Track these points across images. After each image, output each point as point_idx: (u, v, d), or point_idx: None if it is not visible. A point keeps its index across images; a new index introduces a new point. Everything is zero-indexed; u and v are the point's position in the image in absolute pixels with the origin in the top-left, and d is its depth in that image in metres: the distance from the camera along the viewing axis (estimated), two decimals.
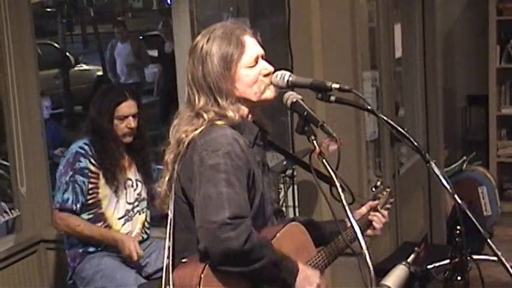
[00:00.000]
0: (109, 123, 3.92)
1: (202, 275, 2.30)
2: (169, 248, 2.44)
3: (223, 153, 2.32)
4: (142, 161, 4.09)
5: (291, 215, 4.37)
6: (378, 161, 5.11)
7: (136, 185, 4.08)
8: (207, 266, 2.31)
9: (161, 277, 2.44)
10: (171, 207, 2.47)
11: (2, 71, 4.53)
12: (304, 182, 4.10)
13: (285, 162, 3.97)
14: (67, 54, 14.50)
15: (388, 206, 3.03)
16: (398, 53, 5.27)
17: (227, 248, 2.23)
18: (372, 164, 4.88)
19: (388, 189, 3.07)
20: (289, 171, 4.44)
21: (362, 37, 4.25)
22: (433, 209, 5.72)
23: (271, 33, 6.01)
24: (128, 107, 3.95)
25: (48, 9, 19.71)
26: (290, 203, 4.45)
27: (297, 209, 4.36)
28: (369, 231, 2.93)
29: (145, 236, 4.12)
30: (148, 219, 4.16)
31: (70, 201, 3.87)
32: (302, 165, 3.19)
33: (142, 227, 4.10)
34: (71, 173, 3.88)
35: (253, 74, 2.47)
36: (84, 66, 15.23)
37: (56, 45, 14.60)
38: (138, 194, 4.09)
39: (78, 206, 3.89)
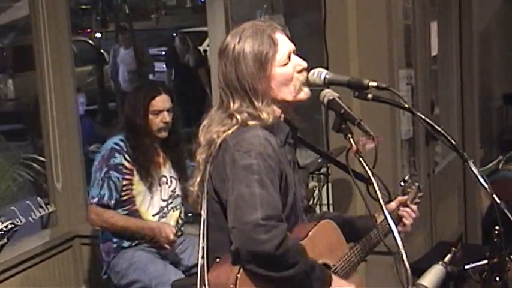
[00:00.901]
0: (144, 119, 3.93)
1: (238, 275, 2.29)
2: (203, 248, 2.43)
3: (256, 153, 2.30)
4: (177, 158, 4.10)
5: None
6: (412, 160, 5.07)
7: (171, 182, 4.09)
8: (243, 267, 2.30)
9: (196, 276, 2.44)
10: (204, 207, 2.46)
11: (39, 68, 4.59)
12: (339, 180, 4.09)
13: (319, 160, 3.96)
14: (101, 51, 14.58)
15: (417, 200, 2.98)
16: (434, 51, 5.22)
17: (258, 250, 2.21)
18: (406, 163, 4.85)
19: (416, 184, 3.03)
20: (323, 169, 4.43)
21: (397, 35, 4.22)
22: (468, 209, 5.67)
23: (305, 30, 6.00)
24: (162, 101, 3.97)
25: (83, 6, 19.86)
26: (324, 201, 4.44)
27: (331, 207, 4.35)
28: (399, 228, 2.86)
29: (179, 233, 4.12)
30: (182, 215, 4.17)
31: (107, 197, 3.90)
32: (335, 163, 3.18)
33: (176, 224, 4.11)
34: (105, 169, 3.90)
35: (288, 71, 2.45)
36: None
37: (90, 42, 14.69)
38: (172, 191, 4.10)
39: (112, 202, 3.91)
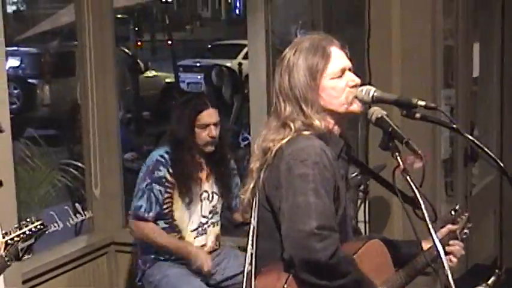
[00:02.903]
0: (189, 133, 3.89)
1: (285, 285, 2.30)
2: (251, 255, 2.45)
3: (312, 163, 2.32)
4: (222, 173, 4.06)
5: (362, 231, 4.33)
6: (447, 180, 5.05)
7: (212, 198, 4.05)
8: (291, 276, 2.31)
9: (242, 282, 2.45)
10: (255, 215, 2.48)
11: (82, 74, 4.63)
12: (377, 198, 4.08)
13: (359, 177, 3.94)
14: (138, 60, 14.73)
15: (465, 231, 2.96)
16: (475, 72, 5.21)
17: (312, 258, 2.23)
18: (442, 184, 4.83)
19: (466, 214, 3.00)
20: (362, 187, 4.41)
21: (440, 55, 4.22)
22: (504, 232, 5.61)
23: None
24: (209, 115, 3.92)
25: (119, 16, 20.08)
26: (361, 218, 4.42)
27: (367, 225, 4.33)
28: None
29: (216, 247, 4.11)
30: (220, 230, 4.15)
31: (142, 209, 3.87)
32: (379, 181, 3.17)
33: (216, 239, 4.10)
34: (148, 181, 3.88)
35: (339, 85, 2.47)
36: (153, 73, 15.45)
37: (127, 51, 14.83)
38: (213, 207, 4.06)
39: (150, 214, 3.89)
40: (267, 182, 2.44)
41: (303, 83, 2.44)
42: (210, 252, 4.05)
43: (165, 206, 3.93)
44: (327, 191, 2.33)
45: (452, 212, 2.93)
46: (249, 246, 2.47)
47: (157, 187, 3.89)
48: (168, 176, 3.91)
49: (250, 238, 2.48)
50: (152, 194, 3.88)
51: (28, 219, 3.02)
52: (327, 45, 2.48)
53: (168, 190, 3.92)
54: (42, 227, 3.02)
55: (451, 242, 2.81)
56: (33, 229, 3.00)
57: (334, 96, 2.46)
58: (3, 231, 2.98)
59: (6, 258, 2.91)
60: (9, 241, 2.93)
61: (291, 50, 2.50)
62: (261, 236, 2.46)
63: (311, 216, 2.24)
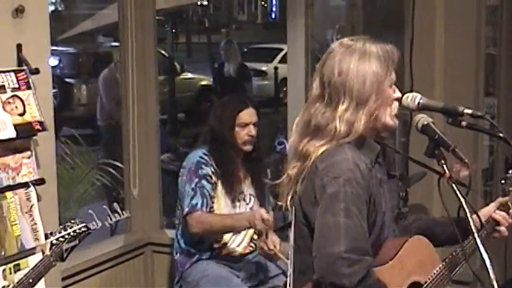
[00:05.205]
0: (230, 131, 3.93)
1: None
2: (290, 274, 2.44)
3: (344, 180, 2.28)
4: (257, 175, 4.08)
5: None
6: (486, 190, 4.99)
7: (250, 199, 4.06)
8: None
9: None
10: (292, 229, 2.47)
11: (124, 74, 4.67)
12: (416, 206, 4.05)
13: (400, 184, 3.92)
14: (174, 62, 14.76)
15: None
16: None
17: (337, 283, 2.18)
18: (482, 193, 4.78)
19: None
20: (401, 194, 4.37)
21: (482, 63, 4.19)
22: None
23: None
24: (249, 114, 3.97)
25: (157, 18, 20.18)
26: None
27: None
28: (495, 234, 2.75)
29: (251, 249, 4.10)
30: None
31: (199, 205, 3.82)
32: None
33: (251, 240, 4.09)
34: (196, 179, 3.87)
35: (391, 94, 2.44)
36: (189, 75, 15.48)
37: (163, 52, 14.87)
38: (250, 208, 4.04)
39: (207, 209, 3.84)
40: (303, 197, 2.41)
41: (368, 86, 2.36)
42: (246, 254, 4.05)
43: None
44: (360, 209, 2.28)
45: (502, 181, 2.83)
46: (289, 263, 2.47)
47: (207, 184, 3.87)
48: (211, 175, 3.91)
49: (289, 254, 2.48)
50: (205, 190, 3.85)
51: (72, 221, 3.11)
52: (392, 51, 2.44)
53: (213, 188, 3.92)
54: (85, 229, 3.12)
55: (497, 211, 2.75)
56: (77, 231, 3.09)
57: (387, 103, 2.42)
58: (49, 231, 3.06)
59: (52, 258, 3.00)
60: (54, 241, 3.01)
61: (350, 53, 2.39)
62: (301, 250, 2.45)
63: (340, 238, 2.20)
